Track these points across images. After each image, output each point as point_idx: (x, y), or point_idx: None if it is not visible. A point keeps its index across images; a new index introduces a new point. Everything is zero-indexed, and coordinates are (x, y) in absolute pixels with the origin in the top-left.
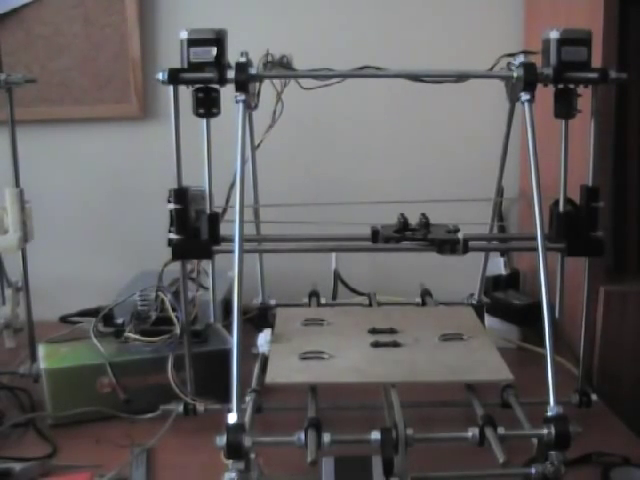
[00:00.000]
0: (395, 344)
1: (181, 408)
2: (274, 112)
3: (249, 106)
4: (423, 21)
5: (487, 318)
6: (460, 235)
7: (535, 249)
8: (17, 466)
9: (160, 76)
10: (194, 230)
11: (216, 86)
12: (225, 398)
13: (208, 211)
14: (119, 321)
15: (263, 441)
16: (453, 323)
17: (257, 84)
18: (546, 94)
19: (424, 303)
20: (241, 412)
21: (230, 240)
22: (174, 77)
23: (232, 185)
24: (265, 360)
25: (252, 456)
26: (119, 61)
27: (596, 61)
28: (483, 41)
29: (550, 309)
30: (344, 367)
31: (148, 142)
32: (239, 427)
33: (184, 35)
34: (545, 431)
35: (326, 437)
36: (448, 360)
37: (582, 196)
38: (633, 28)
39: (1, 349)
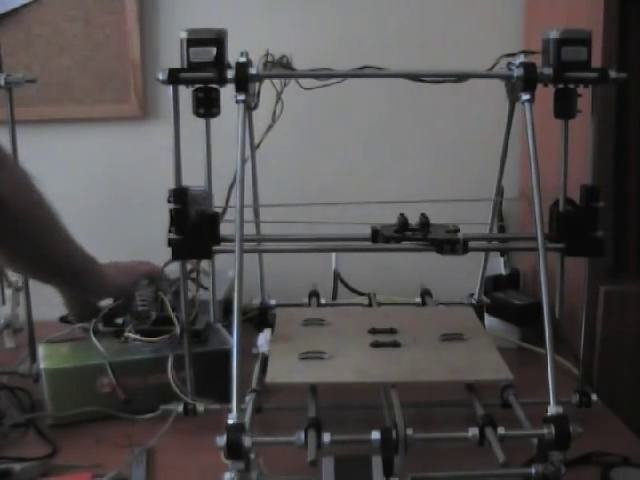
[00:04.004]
0: (395, 344)
1: (181, 408)
2: (274, 112)
3: (249, 106)
4: (423, 21)
5: (487, 318)
6: (460, 235)
7: (535, 249)
8: (17, 466)
9: (160, 76)
10: (194, 230)
11: (216, 86)
12: (225, 398)
13: (208, 211)
14: (119, 321)
15: (263, 441)
16: (453, 323)
17: (257, 84)
18: (546, 94)
19: (424, 303)
20: (241, 412)
21: (230, 240)
22: (174, 77)
23: (232, 185)
24: (265, 360)
25: (252, 456)
26: (119, 61)
27: (596, 61)
28: (483, 41)
29: (550, 309)
30: (344, 367)
31: (148, 142)
32: (239, 427)
33: (184, 35)
34: (545, 431)
35: (326, 437)
36: (448, 360)
37: (582, 196)
38: (633, 28)
39: (1, 349)
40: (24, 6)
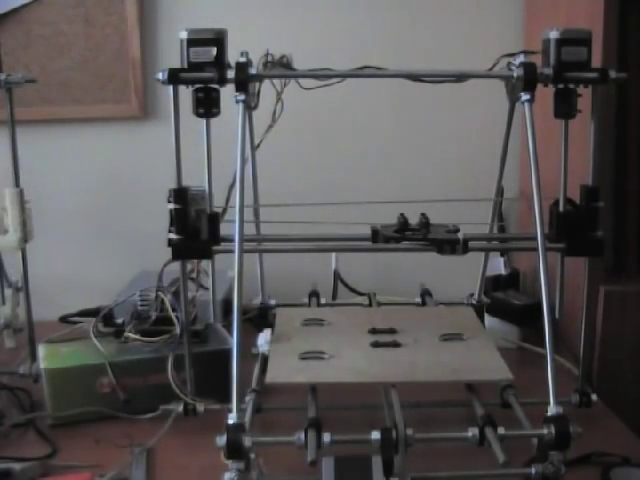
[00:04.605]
0: (395, 344)
1: (181, 408)
2: (274, 112)
3: (249, 106)
4: (423, 21)
5: (487, 318)
6: (460, 235)
7: (535, 249)
8: (17, 466)
9: (160, 76)
10: (194, 230)
11: (216, 86)
12: (225, 398)
13: (208, 211)
14: (119, 321)
15: (263, 441)
16: (453, 323)
17: (257, 84)
18: (546, 94)
19: (424, 303)
20: (241, 412)
21: (230, 240)
22: (174, 77)
23: (232, 185)
24: (265, 360)
25: (252, 456)
26: (119, 61)
27: (596, 61)
28: (483, 41)
29: (550, 309)
30: (344, 367)
31: (148, 142)
32: (239, 427)
33: (184, 35)
34: (545, 431)
35: (326, 437)
36: (448, 360)
37: (582, 196)
38: (633, 28)
39: (1, 349)
40: (24, 6)
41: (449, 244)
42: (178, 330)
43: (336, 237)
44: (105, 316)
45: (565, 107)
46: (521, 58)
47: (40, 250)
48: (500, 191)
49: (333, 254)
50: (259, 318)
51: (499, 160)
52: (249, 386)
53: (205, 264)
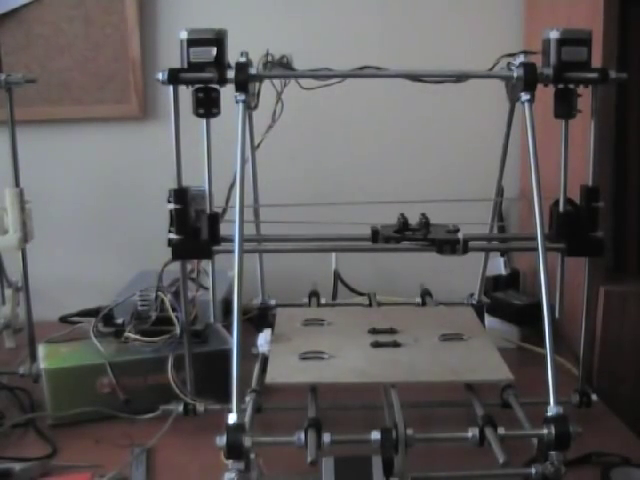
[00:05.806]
0: (395, 344)
1: (181, 408)
2: (274, 112)
3: (249, 106)
4: (423, 21)
5: (487, 318)
6: (460, 235)
7: (535, 249)
8: (17, 466)
9: (160, 76)
10: (194, 230)
11: (216, 86)
12: (225, 398)
13: (208, 211)
14: (119, 321)
15: (263, 441)
16: (453, 323)
17: (257, 84)
18: (546, 94)
19: (424, 303)
20: (241, 412)
21: (230, 240)
22: (174, 77)
23: (232, 185)
24: (265, 360)
25: (252, 456)
26: (119, 61)
27: (596, 61)
28: (483, 41)
29: (550, 309)
30: (344, 367)
31: (148, 142)
32: (239, 427)
33: (184, 35)
34: (545, 431)
35: (326, 437)
36: (448, 360)
37: (582, 196)
38: (633, 28)
39: (1, 349)
40: (24, 6)
41: (449, 244)
42: (178, 330)
43: (336, 237)
44: (105, 316)
45: (565, 107)
46: (521, 58)
47: (40, 250)
48: (500, 191)
49: (333, 254)
50: (259, 318)
51: (499, 160)
52: (249, 386)
53: (205, 264)
